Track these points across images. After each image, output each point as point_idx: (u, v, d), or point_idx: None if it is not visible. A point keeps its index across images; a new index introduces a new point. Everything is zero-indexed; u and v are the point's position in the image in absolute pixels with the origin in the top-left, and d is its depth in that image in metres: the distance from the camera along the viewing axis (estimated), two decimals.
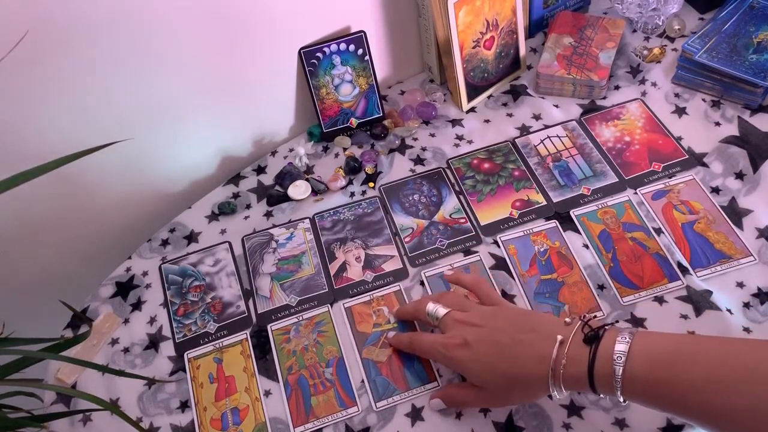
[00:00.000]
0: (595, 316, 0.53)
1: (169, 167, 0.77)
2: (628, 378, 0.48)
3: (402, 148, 0.81)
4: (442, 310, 0.59)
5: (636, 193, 0.73)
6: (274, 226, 0.76)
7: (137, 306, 0.71)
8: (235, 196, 0.79)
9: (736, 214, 0.70)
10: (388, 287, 0.69)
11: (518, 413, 0.59)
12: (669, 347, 0.48)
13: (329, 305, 0.69)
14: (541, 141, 0.80)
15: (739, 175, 0.73)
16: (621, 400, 0.49)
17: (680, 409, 0.47)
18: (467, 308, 0.59)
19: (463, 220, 0.74)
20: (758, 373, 0.44)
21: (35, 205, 0.69)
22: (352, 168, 0.79)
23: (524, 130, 0.81)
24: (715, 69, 0.77)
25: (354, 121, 0.83)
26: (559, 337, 0.51)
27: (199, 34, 0.67)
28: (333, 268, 0.71)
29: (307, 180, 0.79)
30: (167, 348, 0.67)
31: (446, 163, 0.79)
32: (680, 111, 0.80)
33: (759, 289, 0.65)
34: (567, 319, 0.53)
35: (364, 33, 0.78)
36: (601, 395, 0.51)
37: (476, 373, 0.55)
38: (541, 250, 0.70)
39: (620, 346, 0.48)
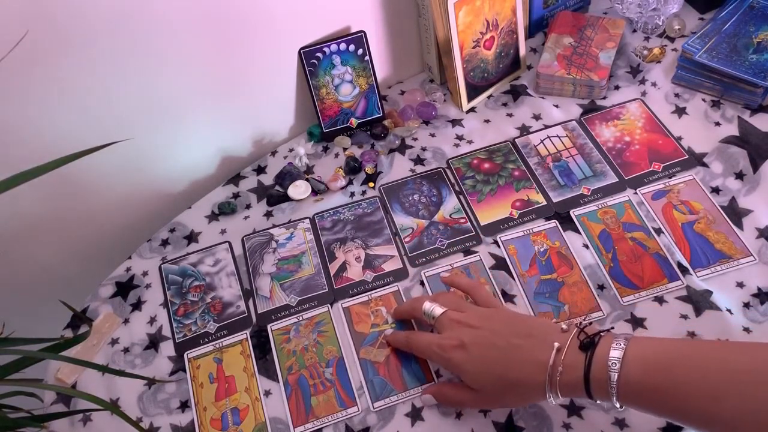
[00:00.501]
0: (590, 323, 0.53)
1: (169, 167, 0.77)
2: (624, 384, 0.48)
3: (402, 148, 0.81)
4: (438, 310, 0.59)
5: (636, 193, 0.73)
6: (274, 226, 0.76)
7: (137, 306, 0.71)
8: (235, 196, 0.79)
9: (736, 214, 0.70)
10: (386, 287, 0.69)
11: (518, 413, 0.59)
12: (664, 352, 0.48)
13: (329, 305, 0.68)
14: (541, 141, 0.80)
15: (739, 175, 0.73)
16: (617, 405, 0.49)
17: (677, 414, 0.47)
18: (464, 309, 0.59)
19: (463, 220, 0.74)
20: (756, 376, 0.44)
21: (35, 205, 0.69)
22: (352, 168, 0.79)
23: (524, 130, 0.81)
24: (715, 69, 0.77)
25: (354, 121, 0.83)
26: (556, 344, 0.51)
27: (199, 34, 0.67)
28: (333, 268, 0.71)
29: (307, 180, 0.79)
30: (167, 348, 0.67)
31: (446, 163, 0.79)
32: (680, 111, 0.80)
33: (759, 289, 0.65)
34: (563, 326, 0.53)
35: (364, 33, 0.78)
36: (598, 401, 0.51)
37: (471, 374, 0.55)
38: (541, 250, 0.70)
39: (615, 353, 0.48)
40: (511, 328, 0.55)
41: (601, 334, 0.51)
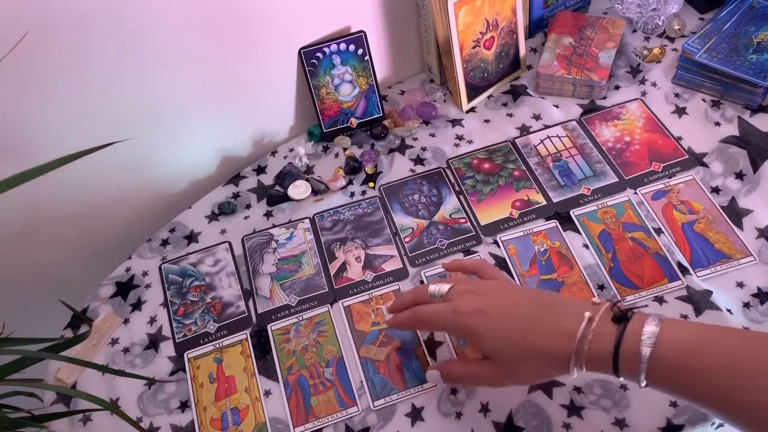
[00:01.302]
0: (623, 298, 0.52)
1: (169, 167, 0.77)
2: (655, 360, 0.46)
3: (402, 148, 0.81)
4: (446, 286, 0.56)
5: (636, 193, 0.73)
6: (274, 226, 0.76)
7: (137, 306, 0.71)
8: (235, 196, 0.79)
9: (736, 214, 0.70)
10: (387, 287, 0.69)
11: (518, 413, 0.59)
12: (697, 336, 0.47)
13: (329, 305, 0.69)
14: (541, 141, 0.80)
15: (739, 175, 0.73)
16: (642, 384, 0.48)
17: (700, 399, 0.46)
18: (474, 283, 0.57)
19: (463, 220, 0.74)
20: None
21: (35, 205, 0.69)
22: (352, 168, 0.79)
23: (524, 130, 0.81)
24: (715, 69, 0.77)
25: (354, 121, 0.83)
26: (588, 314, 0.50)
27: (199, 34, 0.67)
28: (333, 268, 0.71)
29: (307, 180, 0.79)
30: (167, 348, 0.67)
31: (446, 163, 0.79)
32: (680, 111, 0.80)
33: (759, 289, 0.65)
34: (595, 299, 0.52)
35: (364, 33, 0.78)
36: (622, 378, 0.49)
37: (489, 340, 0.52)
38: (541, 250, 0.70)
39: (649, 327, 0.47)
40: (531, 298, 0.53)
41: (634, 311, 0.50)
